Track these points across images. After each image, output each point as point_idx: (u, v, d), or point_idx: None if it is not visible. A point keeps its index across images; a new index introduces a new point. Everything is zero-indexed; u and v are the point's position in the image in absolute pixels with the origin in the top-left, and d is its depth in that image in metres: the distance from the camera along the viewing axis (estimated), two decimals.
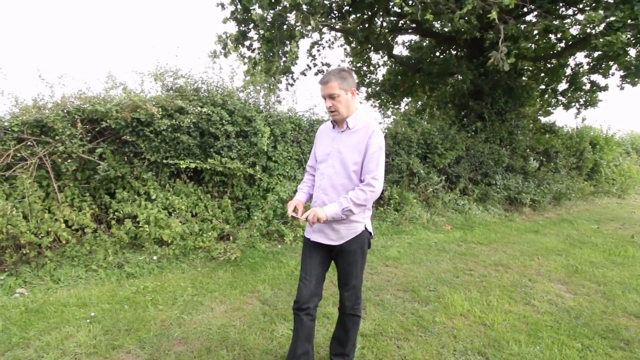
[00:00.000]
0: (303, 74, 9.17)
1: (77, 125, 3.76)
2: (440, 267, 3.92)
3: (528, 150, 8.44)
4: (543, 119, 10.15)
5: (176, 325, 2.55)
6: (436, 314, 2.83)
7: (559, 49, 8.34)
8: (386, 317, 2.76)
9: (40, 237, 3.35)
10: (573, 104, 9.50)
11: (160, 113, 3.93)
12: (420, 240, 4.93)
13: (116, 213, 3.84)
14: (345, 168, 1.83)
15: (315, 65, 9.05)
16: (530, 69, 9.37)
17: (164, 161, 4.07)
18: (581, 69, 8.98)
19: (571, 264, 4.15)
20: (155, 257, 3.66)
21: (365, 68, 10.70)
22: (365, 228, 1.91)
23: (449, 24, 6.56)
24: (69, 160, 3.74)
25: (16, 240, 3.25)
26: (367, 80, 10.84)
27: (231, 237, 4.22)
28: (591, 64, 8.60)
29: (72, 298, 2.89)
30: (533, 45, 7.64)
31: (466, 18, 5.58)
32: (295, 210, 1.90)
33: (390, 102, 11.16)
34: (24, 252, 3.31)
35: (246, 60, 8.07)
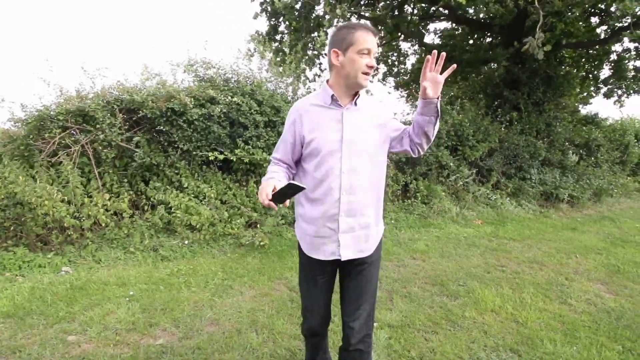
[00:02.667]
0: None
1: (116, 114, 3.94)
2: (470, 262, 3.81)
3: (567, 143, 7.97)
4: (584, 111, 9.56)
5: (208, 307, 2.65)
6: (466, 308, 2.76)
7: (603, 34, 7.75)
8: (414, 309, 2.73)
9: (82, 220, 3.57)
10: (615, 93, 8.87)
11: (193, 103, 4.04)
12: (449, 234, 4.81)
13: (151, 200, 4.02)
14: (368, 157, 1.43)
15: None
16: (573, 55, 8.80)
17: (194, 153, 4.19)
18: (628, 55, 8.33)
19: (612, 264, 3.91)
20: (187, 242, 3.81)
21: (394, 57, 10.45)
22: None
23: (484, 9, 6.26)
24: (109, 148, 3.94)
25: (61, 222, 3.48)
26: (396, 70, 10.59)
27: (258, 225, 4.31)
28: None
29: (112, 277, 3.07)
30: (573, 30, 7.14)
31: (502, 3, 5.29)
32: (274, 193, 1.25)
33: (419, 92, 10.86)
34: (68, 233, 3.54)
35: (276, 52, 8.10)
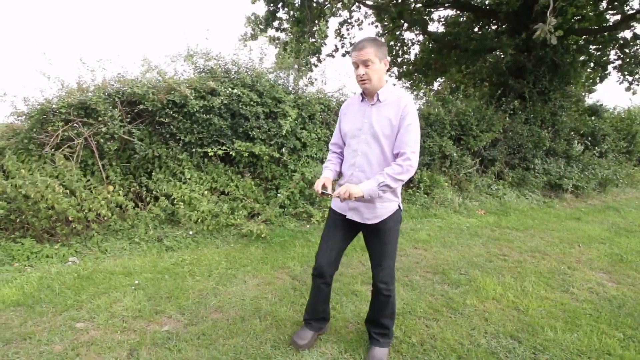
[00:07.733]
0: (331, 55, 9.01)
1: (117, 107, 3.95)
2: (472, 252, 3.82)
3: (572, 132, 7.87)
4: (591, 100, 9.41)
5: (212, 295, 2.69)
6: (467, 296, 2.78)
7: (610, 21, 7.58)
8: (415, 297, 2.75)
9: (85, 212, 3.61)
10: (625, 80, 8.70)
11: (193, 95, 4.03)
12: (452, 224, 4.82)
13: (154, 192, 4.05)
14: (379, 143, 1.78)
15: (343, 45, 8.86)
16: (580, 43, 8.63)
17: (193, 150, 4.21)
18: (638, 41, 8.14)
19: (615, 253, 3.90)
20: (191, 232, 3.85)
21: (397, 47, 10.33)
22: (399, 206, 1.91)
23: None
24: (111, 141, 3.95)
25: (65, 214, 3.52)
26: (400, 60, 10.47)
27: (260, 216, 4.33)
28: None
29: (118, 267, 3.12)
30: (584, 13, 6.97)
31: None
32: (324, 187, 1.86)
33: (423, 82, 10.74)
34: (74, 225, 3.58)
35: (277, 42, 8.03)
